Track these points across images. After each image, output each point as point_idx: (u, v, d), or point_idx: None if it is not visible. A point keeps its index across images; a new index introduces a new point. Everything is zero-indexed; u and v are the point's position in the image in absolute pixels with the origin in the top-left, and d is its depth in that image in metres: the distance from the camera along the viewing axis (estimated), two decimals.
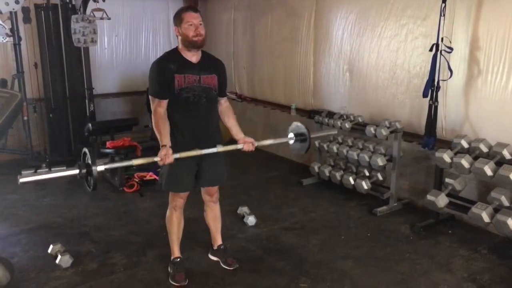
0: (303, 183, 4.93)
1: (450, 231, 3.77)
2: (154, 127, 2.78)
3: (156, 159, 2.63)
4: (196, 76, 2.79)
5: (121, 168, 4.77)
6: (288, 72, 5.80)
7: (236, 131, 3.01)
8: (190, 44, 2.76)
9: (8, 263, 1.16)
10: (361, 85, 4.83)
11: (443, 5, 3.63)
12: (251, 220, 3.92)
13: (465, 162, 3.42)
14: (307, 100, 5.58)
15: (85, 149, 2.41)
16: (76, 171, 2.36)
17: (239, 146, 2.92)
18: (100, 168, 2.37)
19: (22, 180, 2.10)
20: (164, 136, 2.71)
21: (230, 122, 3.03)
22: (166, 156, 2.62)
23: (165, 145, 2.67)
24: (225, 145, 2.90)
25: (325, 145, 4.74)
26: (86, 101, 5.48)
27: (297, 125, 3.13)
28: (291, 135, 3.14)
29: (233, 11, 6.58)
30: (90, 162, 2.36)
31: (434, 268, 3.22)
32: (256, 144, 2.94)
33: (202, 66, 2.84)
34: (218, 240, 3.30)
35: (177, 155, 2.67)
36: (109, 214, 4.19)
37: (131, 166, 4.73)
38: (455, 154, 3.56)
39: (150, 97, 2.83)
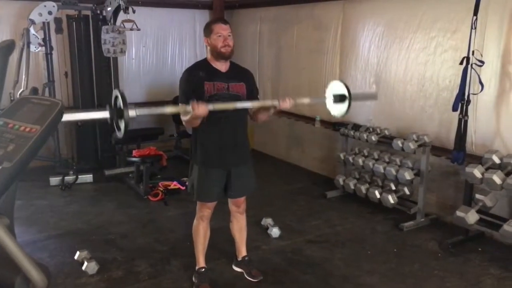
0: (327, 195, 4.88)
1: (480, 249, 3.67)
2: (187, 127, 2.77)
3: (189, 108, 2.53)
4: (224, 83, 2.81)
5: (147, 177, 4.83)
6: (313, 84, 5.78)
7: (270, 103, 2.83)
8: (218, 54, 2.80)
9: (45, 268, 1.18)
10: (388, 98, 4.78)
11: (474, 18, 3.57)
12: (275, 231, 3.90)
13: (497, 178, 3.33)
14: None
15: (117, 92, 2.29)
16: (107, 114, 2.25)
17: (275, 102, 2.76)
18: (132, 113, 2.25)
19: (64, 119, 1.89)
20: None
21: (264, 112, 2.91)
22: (199, 105, 2.52)
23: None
24: (251, 155, 2.89)
25: (350, 158, 4.69)
26: None
27: (336, 83, 2.88)
28: (328, 95, 2.89)
29: (259, 23, 6.62)
30: (122, 106, 2.24)
31: (464, 286, 3.14)
32: (293, 101, 2.76)
33: (230, 74, 2.87)
34: (242, 251, 3.29)
35: (211, 106, 2.56)
36: (134, 222, 4.22)
37: (155, 184, 4.79)
38: (486, 169, 3.48)
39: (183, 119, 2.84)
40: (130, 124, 2.25)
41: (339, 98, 2.83)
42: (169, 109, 2.67)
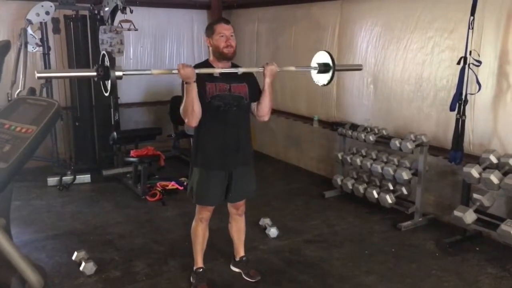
0: (325, 195, 4.88)
1: (477, 248, 3.67)
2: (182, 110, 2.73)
3: (174, 71, 2.57)
4: (226, 84, 2.79)
5: (144, 177, 4.83)
6: (311, 84, 5.71)
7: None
8: (220, 55, 2.78)
9: (41, 269, 1.18)
10: (386, 98, 4.78)
11: (472, 18, 3.58)
12: (273, 232, 3.90)
13: (494, 178, 3.34)
14: (330, 112, 5.55)
15: (104, 52, 2.38)
16: (94, 73, 2.33)
17: (260, 69, 2.85)
18: (118, 73, 2.33)
19: (38, 75, 1.96)
20: None
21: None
22: (184, 66, 2.55)
23: None
24: (253, 155, 2.93)
25: (348, 158, 4.69)
26: (111, 110, 5.56)
27: (322, 53, 2.99)
28: (315, 64, 3.02)
29: (257, 22, 6.63)
30: (108, 65, 2.31)
31: (462, 286, 3.14)
32: (276, 67, 2.84)
33: (232, 75, 2.84)
34: (240, 252, 3.29)
35: (197, 70, 2.60)
36: (131, 223, 4.22)
37: (153, 184, 4.79)
38: (484, 169, 3.49)
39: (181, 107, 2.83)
40: (117, 84, 2.33)
41: (324, 68, 2.95)
42: (156, 71, 2.65)
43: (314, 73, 3.07)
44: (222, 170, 2.88)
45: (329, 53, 2.98)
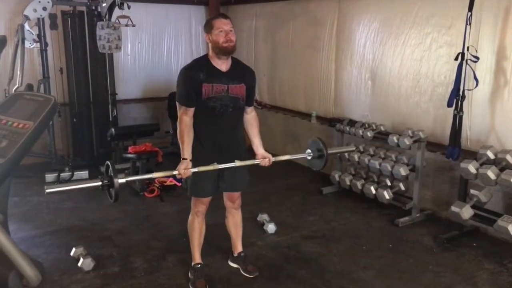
0: (323, 191, 4.89)
1: (474, 244, 3.69)
2: (178, 135, 2.80)
3: (175, 173, 2.69)
4: (224, 85, 2.77)
5: (142, 173, 4.81)
6: (309, 80, 5.79)
7: (257, 144, 3.02)
8: (220, 50, 2.75)
9: (39, 264, 1.18)
10: (384, 94, 4.79)
11: (469, 13, 3.58)
12: (271, 227, 3.91)
13: (491, 174, 3.35)
14: (328, 108, 5.55)
15: (108, 162, 2.51)
16: (99, 183, 2.46)
17: (256, 162, 2.93)
18: (121, 181, 2.47)
19: (48, 190, 2.16)
20: (186, 148, 2.74)
21: (253, 133, 3.03)
22: (185, 170, 2.67)
23: (186, 159, 2.71)
24: (246, 153, 2.94)
25: (346, 154, 4.70)
26: (109, 106, 5.55)
27: (315, 141, 3.08)
28: (308, 151, 3.10)
29: (255, 18, 6.61)
30: (112, 174, 2.45)
31: (459, 281, 3.15)
32: (272, 160, 2.95)
33: (231, 75, 2.82)
34: (238, 247, 3.30)
35: (195, 169, 2.70)
36: (130, 219, 4.22)
37: (151, 180, 4.82)
38: (481, 165, 3.49)
39: (177, 103, 2.83)
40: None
41: (318, 153, 3.05)
42: (156, 175, 2.73)
43: (309, 159, 3.12)
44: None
45: (321, 140, 3.04)
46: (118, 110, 5.77)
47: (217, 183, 2.96)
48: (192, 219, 3.08)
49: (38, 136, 1.32)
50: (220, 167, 2.78)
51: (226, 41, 2.72)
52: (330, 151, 3.04)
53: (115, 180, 2.43)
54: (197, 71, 2.76)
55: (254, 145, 3.02)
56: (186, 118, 2.77)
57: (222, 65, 2.81)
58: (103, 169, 5.24)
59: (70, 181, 5.15)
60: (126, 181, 2.53)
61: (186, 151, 2.74)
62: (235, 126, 2.91)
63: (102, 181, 2.46)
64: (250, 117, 3.01)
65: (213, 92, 2.75)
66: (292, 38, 5.98)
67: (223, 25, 2.75)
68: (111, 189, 2.49)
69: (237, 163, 2.81)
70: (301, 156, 3.12)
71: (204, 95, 2.74)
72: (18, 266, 1.24)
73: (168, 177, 2.83)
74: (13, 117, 1.37)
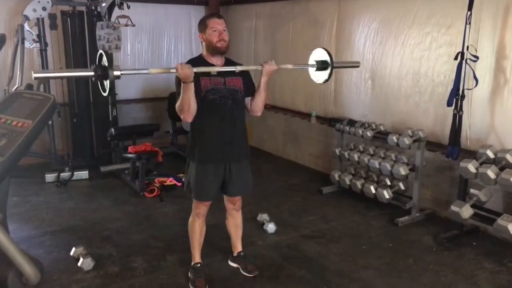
0: (323, 191, 4.89)
1: (474, 243, 3.69)
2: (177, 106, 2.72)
3: (172, 70, 2.56)
4: (221, 78, 2.80)
5: (142, 173, 4.83)
6: (309, 80, 5.72)
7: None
8: (214, 49, 2.78)
9: (38, 263, 1.18)
10: (383, 93, 4.79)
11: (469, 13, 3.58)
12: (271, 227, 3.90)
13: (491, 173, 3.35)
14: (327, 108, 5.55)
15: (101, 51, 2.40)
16: (92, 73, 2.32)
17: (259, 67, 2.84)
18: (117, 73, 2.33)
19: (35, 75, 2.00)
20: None
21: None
22: (182, 65, 2.55)
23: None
24: (250, 153, 2.94)
25: (346, 153, 4.70)
26: (109, 106, 5.55)
27: (320, 50, 2.96)
28: (312, 62, 2.99)
29: (255, 18, 6.61)
30: (106, 65, 2.31)
31: (459, 280, 3.15)
32: (275, 67, 2.84)
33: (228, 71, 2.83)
34: (238, 247, 3.30)
35: (196, 70, 2.57)
36: (130, 218, 4.22)
37: (151, 180, 4.80)
38: (481, 164, 3.50)
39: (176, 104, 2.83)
40: (115, 83, 2.33)
41: (322, 65, 2.92)
42: (154, 70, 2.62)
43: (312, 71, 3.04)
44: (219, 164, 2.88)
45: (326, 50, 2.96)
46: (118, 110, 5.76)
47: (220, 186, 2.96)
48: (192, 220, 3.08)
49: (37, 134, 1.32)
50: (217, 70, 2.69)
51: (219, 41, 2.75)
52: (336, 65, 2.92)
53: (110, 71, 2.29)
54: (194, 66, 2.76)
55: (255, 69, 2.90)
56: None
57: (217, 62, 2.84)
58: (103, 168, 5.28)
59: (70, 181, 5.15)
60: (121, 73, 2.36)
61: None
62: (236, 119, 2.90)
63: (95, 71, 2.34)
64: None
65: (212, 84, 2.77)
66: (292, 38, 5.98)
67: (217, 24, 2.77)
68: (104, 81, 2.36)
69: (238, 67, 2.77)
70: (305, 67, 3.05)
71: (204, 87, 2.75)
72: (17, 265, 1.24)
73: (164, 73, 2.66)
74: (12, 116, 1.37)
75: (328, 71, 2.92)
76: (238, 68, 2.79)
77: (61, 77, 2.28)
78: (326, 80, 2.97)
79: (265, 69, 2.81)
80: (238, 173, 2.94)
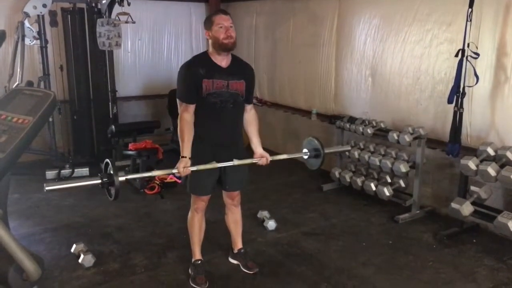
0: (323, 188, 4.89)
1: (474, 240, 3.69)
2: (178, 133, 2.79)
3: (174, 171, 2.68)
4: (224, 81, 2.77)
5: (142, 171, 4.82)
6: (309, 77, 5.78)
7: (255, 143, 3.00)
8: (220, 47, 2.75)
9: (39, 259, 1.19)
10: (384, 91, 4.79)
11: (470, 10, 3.58)
12: (271, 224, 3.91)
13: (491, 170, 3.35)
14: (328, 105, 5.55)
15: (107, 160, 2.50)
16: (99, 181, 2.44)
17: (254, 160, 2.93)
18: (122, 179, 2.45)
19: (48, 188, 2.17)
20: (186, 145, 2.72)
21: (252, 131, 3.01)
22: (184, 169, 2.66)
23: (185, 157, 2.70)
24: (245, 150, 2.97)
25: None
26: (110, 103, 5.55)
27: (311, 140, 3.07)
28: (305, 150, 3.09)
29: (255, 16, 6.61)
30: (112, 172, 2.42)
31: (458, 277, 3.16)
32: (270, 159, 2.95)
33: (231, 71, 2.82)
34: (238, 244, 3.30)
35: (194, 168, 2.70)
36: (130, 216, 4.23)
37: (151, 177, 4.82)
38: (481, 161, 3.49)
39: (177, 100, 2.83)
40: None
41: (314, 152, 3.04)
42: (156, 173, 2.76)
43: (306, 158, 3.11)
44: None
45: (317, 139, 3.03)
46: (118, 107, 5.77)
47: (218, 181, 2.97)
48: (191, 216, 3.08)
49: (37, 131, 1.32)
50: (219, 166, 2.77)
51: (226, 37, 2.72)
52: (327, 151, 3.02)
53: (115, 178, 2.41)
54: (197, 67, 2.76)
55: (253, 144, 3.01)
56: (187, 115, 2.76)
57: (222, 61, 2.80)
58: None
59: (70, 178, 5.15)
60: (126, 179, 2.51)
61: (186, 149, 2.72)
62: (235, 122, 2.91)
63: (102, 179, 2.44)
64: (249, 116, 3.00)
65: (213, 88, 2.75)
66: (292, 35, 5.98)
67: (223, 21, 2.74)
68: (110, 187, 2.47)
69: (236, 162, 2.81)
70: (298, 156, 3.12)
71: (205, 90, 2.74)
72: (18, 261, 1.24)
73: (168, 174, 2.80)
74: (12, 112, 1.37)
75: (320, 159, 3.00)
76: (235, 163, 2.80)
77: (71, 188, 2.40)
78: (319, 167, 3.04)
79: (259, 163, 2.94)
80: (234, 170, 2.92)
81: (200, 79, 2.72)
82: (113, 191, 2.47)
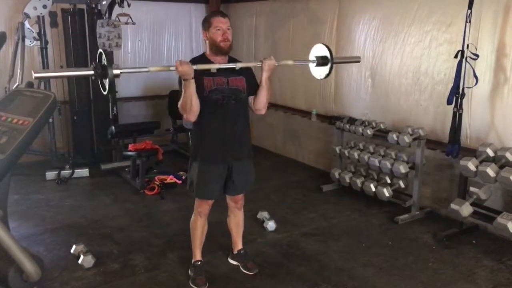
0: (323, 189, 4.90)
1: (474, 241, 3.69)
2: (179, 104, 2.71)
3: (172, 68, 2.55)
4: (224, 78, 2.78)
5: (143, 171, 4.84)
6: (309, 78, 5.71)
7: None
8: (217, 49, 2.76)
9: (39, 260, 1.19)
10: (383, 91, 4.79)
11: (469, 11, 3.58)
12: (271, 225, 3.91)
13: (490, 171, 3.35)
14: (328, 106, 5.55)
15: (101, 50, 2.39)
16: (92, 72, 2.32)
17: (258, 64, 2.83)
18: (116, 71, 2.33)
19: (36, 75, 2.02)
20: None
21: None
22: (182, 63, 2.53)
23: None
24: (252, 149, 2.96)
25: (346, 151, 4.71)
26: (110, 104, 5.56)
27: (320, 46, 2.95)
28: (312, 57, 2.98)
29: (255, 16, 6.61)
30: (105, 63, 2.30)
31: (458, 278, 3.16)
32: (274, 60, 2.81)
33: (230, 69, 2.81)
34: (238, 245, 3.31)
35: (195, 67, 2.57)
36: (130, 216, 4.23)
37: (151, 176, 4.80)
38: (480, 162, 3.50)
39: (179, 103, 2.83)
40: (115, 81, 2.31)
41: (322, 61, 2.92)
42: (153, 68, 2.62)
43: (312, 67, 3.04)
44: (222, 164, 2.88)
45: (326, 45, 2.96)
46: (118, 108, 5.77)
47: (223, 186, 2.96)
48: (194, 219, 3.08)
49: (37, 132, 1.33)
50: (217, 67, 2.68)
51: (223, 40, 2.73)
52: (336, 59, 2.92)
53: (109, 70, 2.28)
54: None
55: (255, 65, 2.90)
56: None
57: (220, 61, 2.82)
58: (103, 166, 5.29)
59: (70, 179, 5.16)
60: (121, 72, 2.36)
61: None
62: (238, 119, 2.89)
63: (95, 70, 2.33)
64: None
65: (215, 84, 2.76)
66: (292, 36, 5.98)
67: (221, 23, 2.75)
68: (104, 80, 2.36)
69: (238, 64, 2.77)
70: (306, 63, 3.03)
71: (207, 88, 2.74)
72: (18, 262, 1.24)
73: (164, 71, 2.64)
74: (12, 114, 1.38)
75: (328, 66, 2.91)
76: (238, 65, 2.78)
77: (62, 77, 2.25)
78: (327, 75, 2.96)
79: (265, 64, 2.79)
80: (240, 173, 2.93)
81: (201, 76, 2.71)
82: (106, 83, 2.35)
